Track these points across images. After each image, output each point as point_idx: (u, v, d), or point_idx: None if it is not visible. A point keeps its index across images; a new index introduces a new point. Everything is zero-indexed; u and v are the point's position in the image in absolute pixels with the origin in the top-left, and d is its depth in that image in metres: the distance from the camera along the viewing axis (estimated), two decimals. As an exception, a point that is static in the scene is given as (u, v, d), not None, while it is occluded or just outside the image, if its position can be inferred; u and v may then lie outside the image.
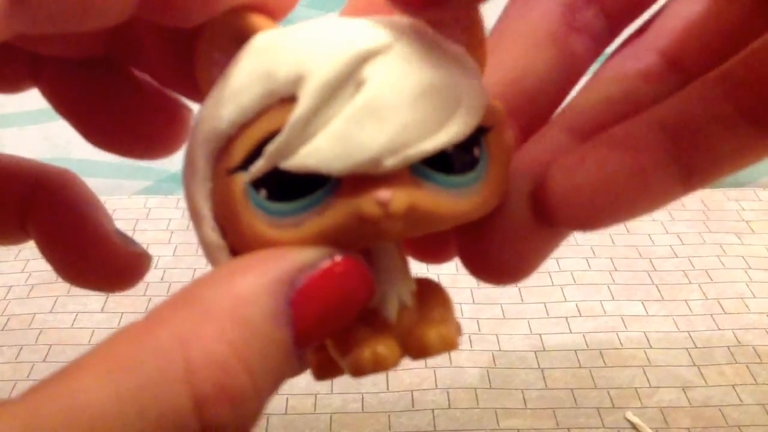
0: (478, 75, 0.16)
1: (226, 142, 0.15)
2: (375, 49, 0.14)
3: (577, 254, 0.44)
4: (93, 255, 0.20)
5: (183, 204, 0.47)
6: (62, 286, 0.42)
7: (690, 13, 0.19)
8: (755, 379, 0.36)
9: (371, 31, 0.15)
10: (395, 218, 0.14)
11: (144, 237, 0.45)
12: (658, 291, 0.42)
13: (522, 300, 0.41)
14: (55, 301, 0.40)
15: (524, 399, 0.35)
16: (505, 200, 0.17)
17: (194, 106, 0.20)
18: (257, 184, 0.15)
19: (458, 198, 0.15)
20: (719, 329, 0.39)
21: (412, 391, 0.35)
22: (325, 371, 0.18)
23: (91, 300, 0.41)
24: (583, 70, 0.19)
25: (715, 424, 0.34)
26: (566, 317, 0.40)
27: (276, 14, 0.16)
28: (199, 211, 0.16)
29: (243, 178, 0.15)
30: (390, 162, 0.14)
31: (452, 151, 0.15)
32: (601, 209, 0.17)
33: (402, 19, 0.15)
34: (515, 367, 0.37)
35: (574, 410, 0.34)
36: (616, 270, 0.43)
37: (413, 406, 0.34)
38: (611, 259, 0.44)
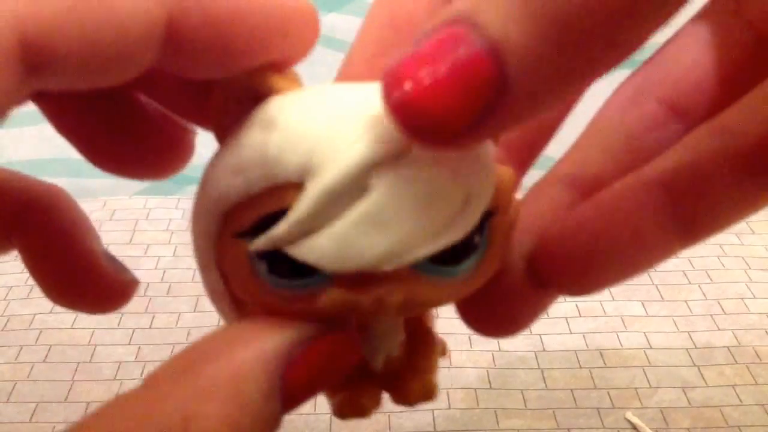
0: (491, 156, 0.16)
1: (232, 207, 0.15)
2: (386, 156, 0.14)
3: (577, 254, 0.44)
4: (78, 278, 0.20)
5: (183, 204, 0.48)
6: (62, 286, 0.42)
7: (690, 59, 0.18)
8: (755, 380, 0.36)
9: (390, 128, 0.14)
10: (390, 310, 0.15)
11: (144, 237, 0.45)
12: (658, 291, 0.42)
13: None
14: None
15: (524, 399, 0.35)
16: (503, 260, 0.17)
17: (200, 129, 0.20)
18: (260, 254, 0.15)
19: (454, 284, 0.16)
20: (719, 330, 0.39)
21: (412, 391, 0.35)
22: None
23: (91, 300, 0.41)
24: (575, 100, 0.20)
25: (715, 424, 0.34)
26: (566, 317, 0.40)
27: (292, 63, 0.16)
28: (204, 260, 0.16)
29: (247, 246, 0.15)
30: (388, 267, 0.14)
31: (452, 246, 0.15)
32: (598, 277, 0.17)
33: None
34: (515, 368, 0.37)
35: (574, 411, 0.34)
36: (616, 270, 0.43)
37: (413, 407, 0.34)
38: (611, 259, 0.44)
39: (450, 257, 0.15)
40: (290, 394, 0.15)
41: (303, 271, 0.15)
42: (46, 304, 0.40)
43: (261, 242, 0.15)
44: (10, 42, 0.12)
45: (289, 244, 0.14)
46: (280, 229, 0.14)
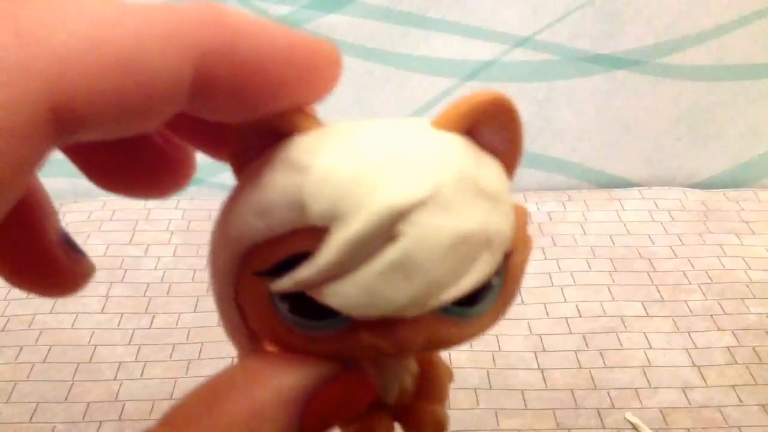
0: (508, 195, 0.16)
1: (252, 247, 0.15)
2: (414, 204, 0.14)
3: (577, 255, 0.44)
4: (29, 260, 0.19)
5: (183, 205, 0.48)
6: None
7: None
8: (755, 380, 0.36)
9: (417, 174, 0.14)
10: (411, 351, 0.15)
11: (144, 238, 0.45)
12: (658, 292, 0.42)
13: (522, 301, 0.41)
14: (55, 302, 0.40)
15: (524, 400, 0.35)
16: None
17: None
18: (281, 295, 0.15)
19: (473, 323, 0.16)
20: (719, 330, 0.39)
21: (412, 391, 0.35)
22: None
23: (92, 301, 0.41)
24: None
25: (715, 424, 0.34)
26: (566, 318, 0.40)
27: (315, 102, 0.16)
28: (221, 293, 0.16)
29: (268, 285, 0.15)
30: (413, 313, 0.14)
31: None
32: None
33: (450, 138, 0.15)
34: (515, 368, 0.37)
35: (574, 411, 0.34)
36: (616, 271, 0.43)
37: None
38: (611, 259, 0.44)
39: (469, 298, 0.15)
40: (306, 430, 0.15)
41: (325, 312, 0.15)
42: (47, 304, 0.41)
43: (285, 284, 0.15)
44: (40, 110, 0.12)
45: (315, 288, 0.14)
46: (305, 273, 0.14)
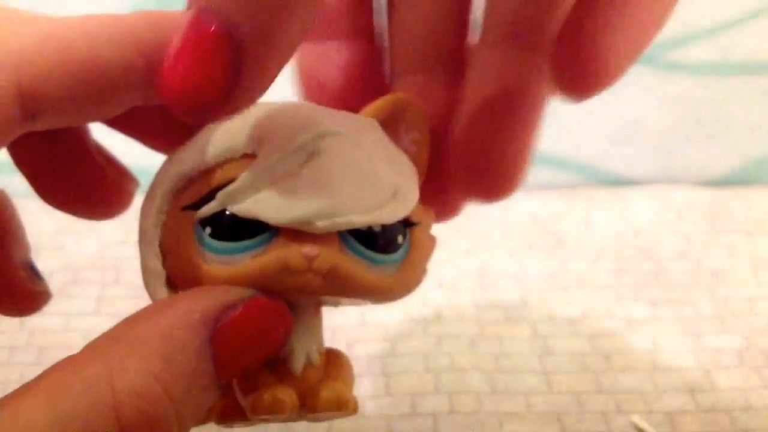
0: (416, 179, 0.19)
1: (186, 183, 0.17)
2: (334, 132, 0.17)
3: (581, 255, 0.44)
4: None
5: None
6: (54, 287, 0.41)
7: None
8: (765, 384, 0.36)
9: (335, 118, 0.17)
10: (317, 274, 0.17)
11: (140, 237, 0.45)
12: (665, 293, 0.41)
13: (526, 302, 0.41)
14: (47, 303, 0.40)
15: (528, 403, 0.35)
16: None
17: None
18: (205, 222, 0.17)
19: (375, 272, 0.18)
20: (728, 332, 0.39)
21: (412, 395, 0.35)
22: (227, 416, 0.19)
23: (85, 302, 0.40)
24: None
25: (723, 428, 0.33)
26: (571, 319, 0.39)
27: None
28: (147, 238, 0.18)
29: (193, 216, 0.17)
30: (321, 224, 0.16)
31: (379, 232, 0.18)
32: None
33: (362, 118, 0.18)
34: (519, 371, 0.36)
35: (579, 415, 0.34)
36: (621, 271, 0.43)
37: (413, 411, 0.34)
38: (617, 259, 0.44)
39: (375, 245, 0.17)
40: (222, 358, 0.16)
41: (245, 234, 0.17)
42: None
43: (211, 205, 0.17)
44: (8, 89, 0.14)
45: (237, 202, 0.16)
46: (232, 187, 0.16)
